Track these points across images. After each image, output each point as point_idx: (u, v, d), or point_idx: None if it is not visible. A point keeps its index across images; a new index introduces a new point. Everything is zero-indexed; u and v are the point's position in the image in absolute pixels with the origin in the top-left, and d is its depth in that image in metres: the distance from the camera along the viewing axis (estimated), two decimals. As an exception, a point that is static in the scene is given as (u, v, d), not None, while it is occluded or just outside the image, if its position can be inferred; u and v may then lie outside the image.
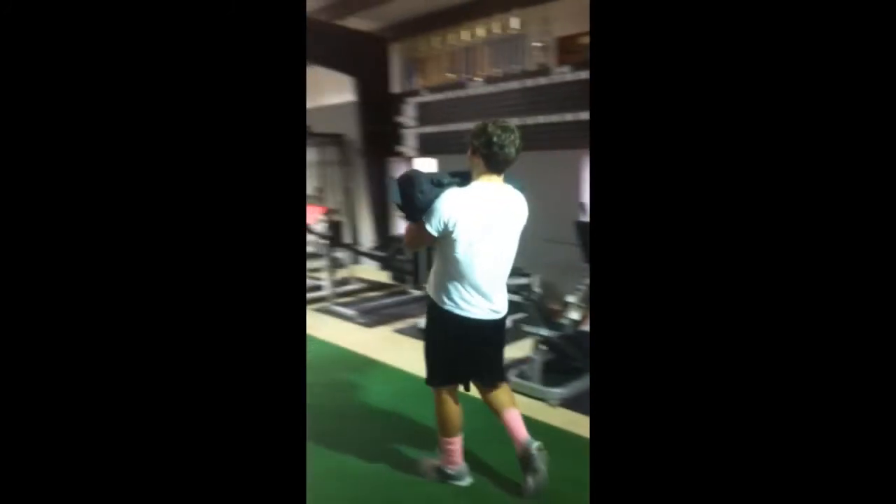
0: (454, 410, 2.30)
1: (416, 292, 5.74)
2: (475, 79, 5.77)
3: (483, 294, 2.13)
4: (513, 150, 2.02)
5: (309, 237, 5.72)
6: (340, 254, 5.96)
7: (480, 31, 5.74)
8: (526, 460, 2.24)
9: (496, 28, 5.58)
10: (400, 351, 4.19)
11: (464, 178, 2.12)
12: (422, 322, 4.58)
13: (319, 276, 5.71)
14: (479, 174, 2.08)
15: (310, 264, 5.89)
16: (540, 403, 3.22)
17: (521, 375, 3.42)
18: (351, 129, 7.15)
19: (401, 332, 4.68)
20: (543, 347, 3.36)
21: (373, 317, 5.06)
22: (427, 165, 7.18)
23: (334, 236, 5.54)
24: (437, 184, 2.06)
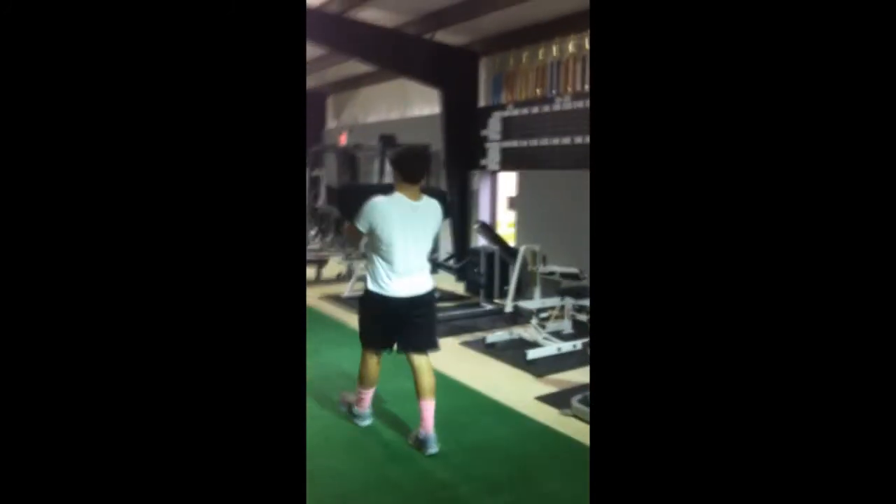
0: (373, 368, 3.02)
1: (488, 306, 5.70)
2: (562, 95, 5.69)
3: (400, 276, 2.75)
4: (422, 169, 2.77)
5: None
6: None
7: (571, 47, 5.66)
8: (419, 444, 2.85)
9: (587, 44, 5.48)
10: (463, 363, 4.17)
11: (388, 189, 2.79)
12: (490, 337, 4.50)
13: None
14: (398, 186, 2.74)
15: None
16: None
17: (584, 401, 3.31)
18: (436, 140, 7.25)
19: (467, 344, 4.65)
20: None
21: (442, 327, 5.05)
22: (508, 179, 7.14)
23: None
24: (366, 192, 2.77)
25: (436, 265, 6.26)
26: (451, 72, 6.72)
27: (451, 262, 6.56)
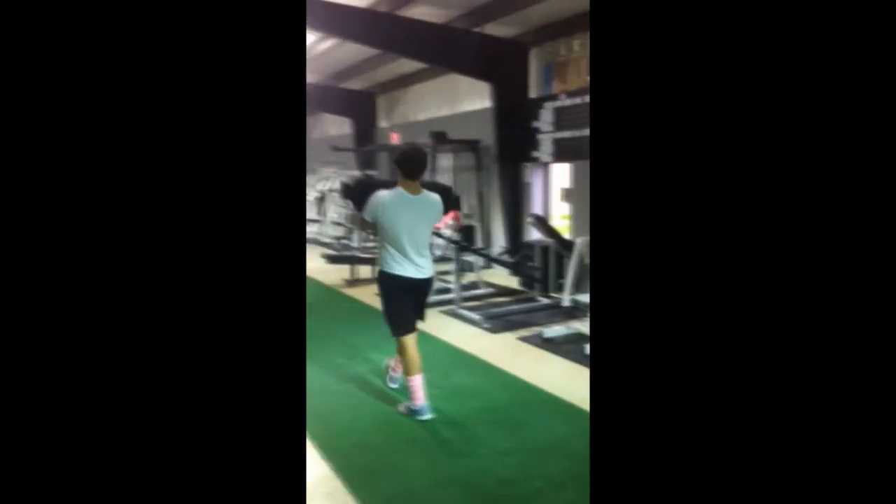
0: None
1: (545, 300, 5.65)
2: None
3: (404, 259, 3.12)
4: (419, 167, 3.13)
5: (439, 241, 5.85)
6: (470, 258, 6.03)
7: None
8: (408, 413, 3.22)
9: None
10: (520, 359, 4.15)
11: (392, 185, 3.17)
12: (548, 332, 4.47)
13: (448, 279, 5.82)
14: (400, 182, 3.12)
15: (439, 267, 6.04)
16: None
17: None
18: (487, 134, 7.22)
19: (524, 339, 4.63)
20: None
21: (498, 322, 5.06)
22: (561, 170, 7.05)
23: (464, 240, 5.61)
24: (373, 187, 3.19)
25: (490, 260, 6.25)
26: (501, 64, 6.68)
27: (506, 257, 6.53)
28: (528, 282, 6.04)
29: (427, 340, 4.64)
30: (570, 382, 3.65)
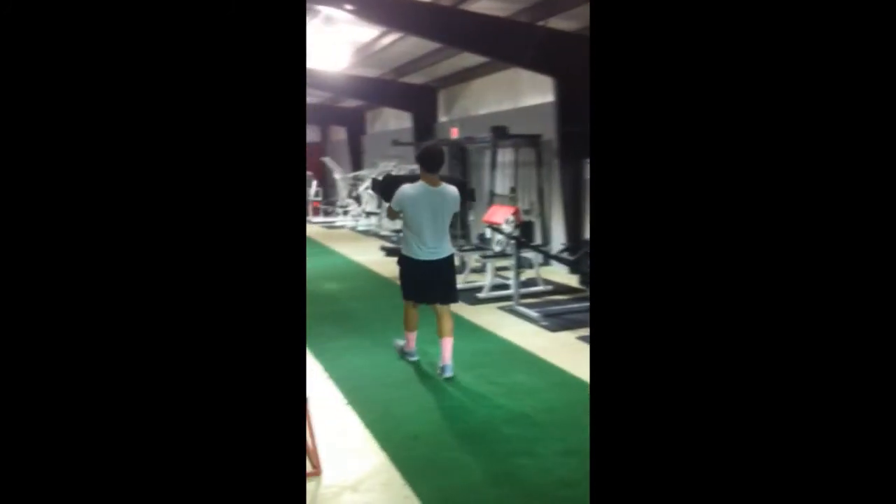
0: (413, 315, 3.93)
1: (605, 299, 5.52)
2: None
3: (424, 244, 3.65)
4: (438, 163, 3.70)
5: (498, 237, 5.80)
6: (529, 254, 5.96)
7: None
8: (441, 370, 3.77)
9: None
10: (581, 357, 4.06)
11: (415, 179, 3.75)
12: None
13: (506, 275, 5.77)
14: (421, 176, 3.67)
15: (497, 263, 5.99)
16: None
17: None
18: (549, 129, 7.11)
19: (584, 339, 4.53)
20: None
21: (556, 321, 4.98)
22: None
23: (523, 237, 5.55)
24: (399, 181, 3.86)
25: (548, 257, 6.16)
26: (564, 58, 6.56)
27: (566, 255, 6.42)
28: (586, 279, 5.92)
29: (484, 336, 4.62)
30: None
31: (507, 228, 5.49)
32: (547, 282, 6.28)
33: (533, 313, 5.12)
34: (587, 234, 6.85)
